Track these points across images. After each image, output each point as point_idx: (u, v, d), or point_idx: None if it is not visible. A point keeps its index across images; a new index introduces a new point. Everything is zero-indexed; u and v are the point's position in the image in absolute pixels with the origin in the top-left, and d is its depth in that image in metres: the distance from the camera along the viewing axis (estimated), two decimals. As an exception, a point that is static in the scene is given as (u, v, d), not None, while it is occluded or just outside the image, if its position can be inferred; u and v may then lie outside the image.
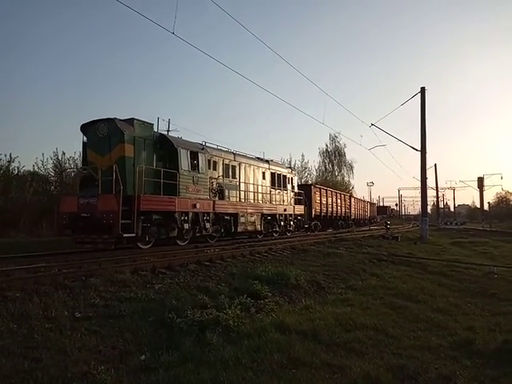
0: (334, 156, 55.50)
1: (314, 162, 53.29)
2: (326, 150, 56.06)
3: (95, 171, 11.80)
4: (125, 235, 11.16)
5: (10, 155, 22.82)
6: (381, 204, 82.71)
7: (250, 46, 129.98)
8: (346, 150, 56.32)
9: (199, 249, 12.29)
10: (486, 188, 63.31)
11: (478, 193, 58.13)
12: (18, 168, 23.41)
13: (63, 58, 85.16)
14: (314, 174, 50.35)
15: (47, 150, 52.47)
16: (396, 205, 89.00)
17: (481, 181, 58.78)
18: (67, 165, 24.74)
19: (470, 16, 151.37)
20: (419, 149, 25.78)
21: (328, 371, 4.13)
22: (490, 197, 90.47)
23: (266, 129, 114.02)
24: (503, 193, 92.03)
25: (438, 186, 54.69)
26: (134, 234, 11.43)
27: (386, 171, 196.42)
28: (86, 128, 12.90)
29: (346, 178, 56.35)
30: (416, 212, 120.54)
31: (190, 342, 4.63)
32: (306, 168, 46.51)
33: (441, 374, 4.19)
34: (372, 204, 56.86)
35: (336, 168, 55.63)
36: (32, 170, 24.12)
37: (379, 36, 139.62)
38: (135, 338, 4.78)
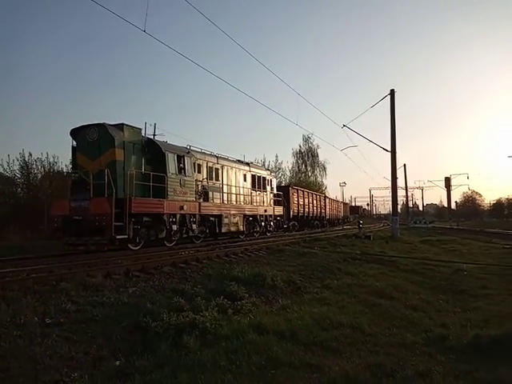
0: (308, 157, 55.98)
1: (287, 162, 53.73)
2: (300, 150, 56.50)
3: (87, 175, 11.96)
4: (118, 237, 11.40)
5: (-26, 156, 21.99)
6: (353, 204, 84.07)
7: (224, 46, 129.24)
8: (319, 150, 56.98)
9: (174, 251, 12.12)
10: (453, 188, 65.43)
11: (446, 192, 60.05)
12: None
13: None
14: (288, 174, 50.71)
15: (13, 151, 50.70)
16: (367, 204, 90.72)
17: (448, 180, 60.98)
18: (34, 166, 23.95)
19: (443, 17, 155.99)
20: (389, 149, 26.44)
21: (307, 371, 4.11)
22: (457, 196, 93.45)
23: (240, 130, 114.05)
24: (469, 192, 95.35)
25: (408, 185, 56.15)
26: (126, 236, 11.72)
27: (358, 171, 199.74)
28: (75, 132, 13.08)
29: (319, 179, 56.93)
30: (386, 211, 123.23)
31: (166, 346, 4.53)
32: (279, 169, 46.82)
33: (417, 371, 4.24)
34: (345, 204, 57.71)
35: (309, 168, 56.11)
36: None
37: (352, 38, 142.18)
38: (109, 343, 4.64)
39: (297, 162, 55.88)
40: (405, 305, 7.54)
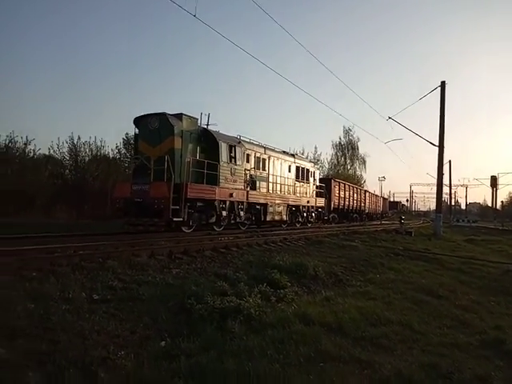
0: (347, 149, 54.91)
1: (326, 154, 52.86)
2: (340, 143, 55.49)
3: (148, 160, 12.87)
4: (174, 219, 12.17)
5: (27, 138, 22.88)
6: (391, 199, 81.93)
7: (271, 32, 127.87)
8: (359, 143, 55.76)
9: (212, 236, 12.17)
10: (500, 187, 62.50)
11: (491, 191, 57.41)
12: (33, 151, 23.51)
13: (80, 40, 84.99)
14: (327, 166, 49.96)
15: (62, 134, 52.71)
16: (407, 200, 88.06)
17: (494, 179, 58.34)
18: (82, 149, 24.85)
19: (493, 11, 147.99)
20: (437, 144, 25.38)
21: (357, 366, 3.92)
22: (502, 196, 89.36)
23: (282, 118, 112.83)
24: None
25: (452, 182, 54.05)
26: (181, 219, 12.48)
27: (398, 166, 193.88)
28: (138, 121, 13.98)
29: (358, 172, 55.80)
30: (425, 208, 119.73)
31: (211, 330, 4.47)
32: (318, 160, 46.10)
33: (476, 374, 3.96)
34: (384, 199, 56.34)
35: (348, 161, 55.09)
36: (47, 153, 24.19)
37: (400, 30, 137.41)
38: (155, 322, 4.63)
39: (336, 154, 54.99)
40: (454, 304, 7.18)
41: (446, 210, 56.76)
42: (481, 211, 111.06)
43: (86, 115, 64.80)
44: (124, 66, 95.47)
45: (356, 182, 48.05)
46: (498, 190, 62.12)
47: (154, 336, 4.32)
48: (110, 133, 70.36)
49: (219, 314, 4.79)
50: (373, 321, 5.34)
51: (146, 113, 13.76)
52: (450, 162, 50.57)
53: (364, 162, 56.45)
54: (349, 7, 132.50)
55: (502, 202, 74.37)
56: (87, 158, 24.98)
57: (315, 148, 52.01)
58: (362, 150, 56.89)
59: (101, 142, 25.76)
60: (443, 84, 25.34)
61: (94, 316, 4.48)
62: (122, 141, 27.09)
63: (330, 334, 4.65)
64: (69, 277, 5.64)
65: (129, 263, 6.88)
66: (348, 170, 53.72)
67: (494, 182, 61.83)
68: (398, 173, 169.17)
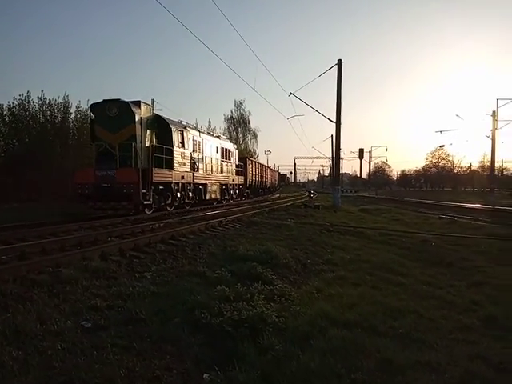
0: (239, 123, 55.15)
1: (220, 128, 52.37)
2: (231, 116, 55.40)
3: (112, 147, 13.42)
4: (145, 202, 13.32)
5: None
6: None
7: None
8: (250, 117, 56.37)
9: (144, 224, 10.99)
10: (373, 159, 69.68)
11: (367, 163, 63.81)
12: None
13: None
14: (220, 140, 49.48)
15: None
16: (291, 173, 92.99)
17: (361, 152, 65.65)
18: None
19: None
20: (334, 120, 26.73)
21: (423, 370, 3.66)
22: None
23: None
24: (379, 163, 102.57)
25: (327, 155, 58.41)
26: (150, 202, 13.70)
27: (284, 140, 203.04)
28: (94, 106, 14.46)
29: (250, 146, 56.66)
30: (305, 180, 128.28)
31: (251, 350, 3.78)
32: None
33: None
34: (278, 173, 58.52)
35: (240, 136, 55.44)
36: None
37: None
38: (178, 350, 3.75)
39: (228, 128, 54.89)
40: (419, 281, 7.43)
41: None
42: (350, 181, 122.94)
43: None
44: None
45: (250, 156, 48.65)
46: (371, 162, 69.25)
47: (191, 368, 3.49)
48: None
49: (249, 328, 4.11)
50: (386, 312, 5.15)
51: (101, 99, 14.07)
52: (331, 136, 54.35)
53: (255, 137, 57.49)
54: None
55: (369, 172, 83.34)
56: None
57: (209, 122, 51.23)
58: (253, 125, 57.82)
59: None
60: (340, 62, 26.53)
61: (104, 353, 3.44)
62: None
63: (367, 335, 4.32)
64: (31, 298, 4.34)
65: (86, 270, 5.66)
66: (240, 145, 54.10)
67: (361, 154, 69.45)
68: (283, 146, 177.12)
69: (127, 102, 13.84)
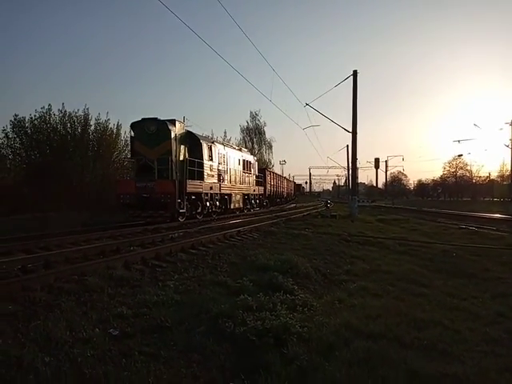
0: (255, 134, 55.44)
1: (235, 139, 52.68)
2: (247, 127, 55.75)
3: (151, 161, 14.88)
4: (180, 211, 14.71)
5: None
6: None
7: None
8: (265, 128, 56.63)
9: (163, 234, 11.11)
10: (389, 168, 68.99)
11: (383, 173, 63.27)
12: None
13: None
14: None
15: None
16: (306, 183, 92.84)
17: (377, 161, 64.88)
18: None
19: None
20: (351, 130, 26.69)
21: (451, 383, 3.62)
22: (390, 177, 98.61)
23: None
24: (396, 173, 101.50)
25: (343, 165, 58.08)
26: (184, 210, 14.99)
27: (299, 150, 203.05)
28: (134, 124, 15.99)
29: (265, 157, 56.83)
30: (320, 189, 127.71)
31: (277, 360, 3.78)
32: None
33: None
34: (294, 183, 58.67)
35: (256, 146, 55.69)
36: None
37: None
38: (204, 358, 3.78)
39: (244, 138, 55.20)
40: (442, 292, 7.34)
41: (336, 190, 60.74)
42: (367, 191, 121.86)
43: None
44: None
45: (266, 166, 48.80)
46: (387, 172, 68.51)
47: (217, 377, 3.51)
48: None
49: (273, 338, 4.12)
50: (411, 323, 5.11)
51: (142, 117, 15.61)
52: (347, 146, 54.14)
53: (270, 147, 57.67)
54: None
55: (385, 182, 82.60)
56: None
57: (224, 132, 51.60)
58: (268, 135, 58.03)
59: None
60: (355, 73, 26.58)
61: (132, 361, 3.49)
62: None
63: (392, 347, 4.27)
64: (60, 306, 4.43)
65: (110, 278, 5.76)
66: (256, 155, 54.28)
67: (377, 163, 68.68)
68: (298, 156, 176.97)
69: (164, 120, 15.39)
